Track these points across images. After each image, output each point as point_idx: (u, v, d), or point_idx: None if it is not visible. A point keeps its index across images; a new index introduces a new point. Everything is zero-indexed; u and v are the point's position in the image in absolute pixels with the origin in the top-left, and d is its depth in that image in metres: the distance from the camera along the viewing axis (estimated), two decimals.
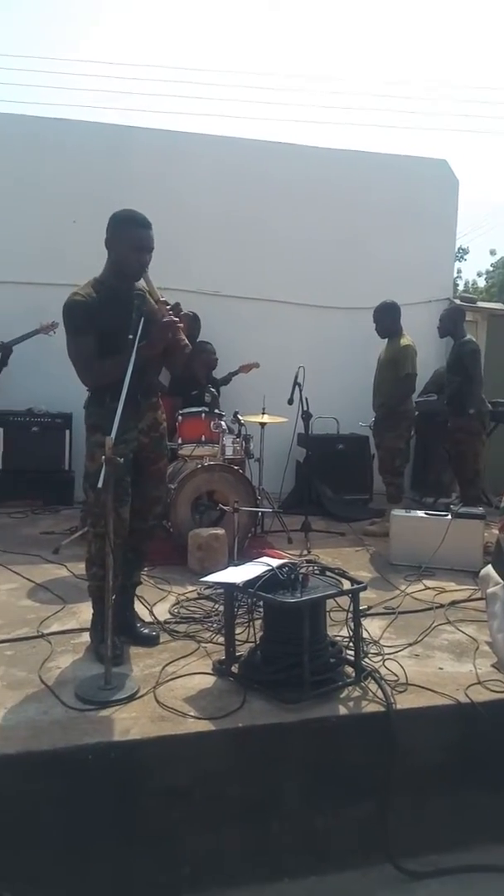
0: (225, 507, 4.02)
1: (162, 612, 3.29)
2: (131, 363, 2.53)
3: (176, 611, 3.30)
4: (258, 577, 2.53)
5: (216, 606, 3.31)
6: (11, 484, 5.49)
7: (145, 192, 5.33)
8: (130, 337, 2.57)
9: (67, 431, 5.59)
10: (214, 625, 3.08)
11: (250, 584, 2.52)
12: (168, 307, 2.72)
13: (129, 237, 2.70)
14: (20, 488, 5.48)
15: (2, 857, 2.10)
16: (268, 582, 2.52)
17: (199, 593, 3.53)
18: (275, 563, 2.64)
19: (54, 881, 2.14)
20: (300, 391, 4.62)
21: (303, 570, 2.59)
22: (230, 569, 2.76)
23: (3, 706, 2.37)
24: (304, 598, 2.41)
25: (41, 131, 5.70)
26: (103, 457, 2.41)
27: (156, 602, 3.40)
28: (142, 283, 2.78)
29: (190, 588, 3.63)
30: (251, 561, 2.75)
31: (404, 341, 4.92)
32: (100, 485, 2.39)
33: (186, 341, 2.77)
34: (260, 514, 4.54)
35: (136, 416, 2.77)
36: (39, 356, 5.32)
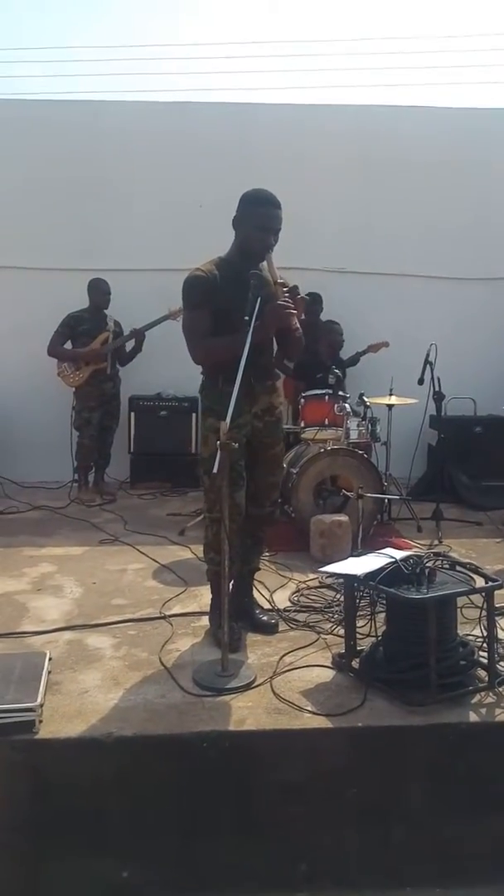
0: (349, 493, 3.87)
1: (282, 599, 3.22)
2: (247, 345, 2.45)
3: (296, 599, 3.22)
4: (380, 570, 2.38)
5: (337, 596, 3.19)
6: (142, 467, 5.66)
7: (270, 170, 5.24)
8: (246, 318, 2.49)
9: (194, 415, 5.66)
10: (335, 616, 2.97)
11: (371, 576, 2.38)
12: (285, 290, 2.61)
13: (257, 216, 2.63)
14: (150, 471, 5.63)
15: (120, 837, 2.13)
16: (391, 575, 2.37)
17: (320, 581, 3.43)
18: (399, 554, 2.48)
19: (169, 863, 2.15)
20: (432, 370, 4.34)
21: (429, 564, 2.41)
22: (351, 559, 2.63)
23: (123, 686, 2.41)
24: (429, 595, 2.23)
25: (164, 117, 5.75)
26: (217, 441, 2.36)
27: (276, 589, 3.34)
28: (263, 263, 2.70)
29: (311, 576, 3.53)
30: (374, 551, 2.60)
31: None
32: (215, 470, 2.35)
33: (298, 327, 2.65)
34: (386, 500, 4.34)
35: (250, 400, 2.70)
36: (168, 341, 5.38)
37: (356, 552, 3.76)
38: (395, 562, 2.40)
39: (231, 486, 2.48)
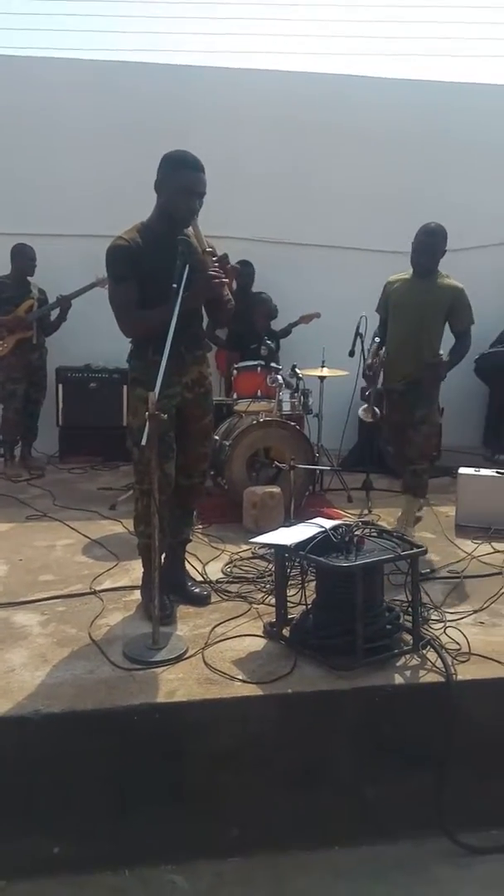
0: (281, 465, 3.89)
1: (215, 570, 3.22)
2: (175, 313, 2.40)
3: (228, 570, 3.23)
4: (310, 539, 2.41)
5: (269, 567, 3.22)
6: (71, 440, 5.53)
7: (203, 136, 5.13)
8: (174, 286, 2.43)
9: (125, 387, 5.54)
10: (267, 586, 2.99)
11: (301, 546, 2.40)
12: (214, 258, 2.55)
13: (179, 179, 2.54)
14: (79, 445, 5.51)
15: (50, 814, 2.10)
16: (320, 544, 2.39)
17: (253, 553, 3.45)
18: (328, 524, 2.50)
19: (101, 838, 2.14)
20: (362, 342, 4.38)
21: (357, 533, 2.45)
22: (281, 529, 2.65)
23: (51, 663, 2.36)
24: (357, 563, 2.27)
25: (94, 76, 5.52)
26: (146, 412, 2.31)
27: (209, 561, 3.34)
28: (190, 230, 2.63)
29: (244, 547, 3.54)
30: (304, 521, 2.62)
31: (452, 281, 3.63)
32: (143, 442, 2.30)
33: (230, 297, 2.60)
34: (318, 471, 4.39)
35: (180, 370, 2.65)
36: (95, 311, 5.20)
37: (287, 523, 3.81)
38: (326, 531, 2.43)
39: (161, 458, 2.44)
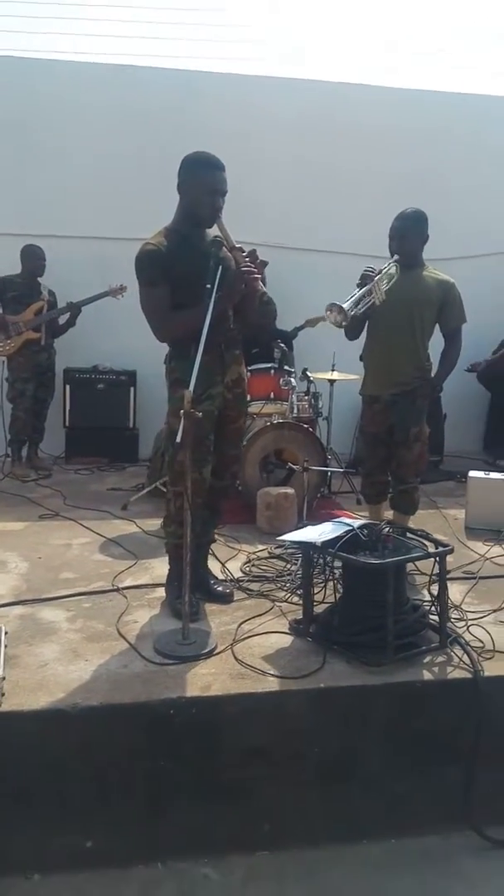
0: (294, 466, 3.93)
1: (234, 569, 3.25)
2: (209, 313, 2.43)
3: (247, 569, 3.26)
4: (339, 538, 2.45)
5: (287, 566, 3.26)
6: (77, 441, 5.53)
7: (211, 141, 5.17)
8: (208, 286, 2.47)
9: (132, 389, 5.57)
10: (287, 584, 3.03)
11: (330, 543, 2.44)
12: (244, 253, 2.59)
13: (203, 180, 2.58)
14: (86, 446, 5.51)
15: (84, 807, 2.12)
16: (348, 542, 2.44)
17: (269, 552, 3.48)
18: (356, 523, 2.55)
19: (134, 831, 2.16)
20: None
21: (385, 531, 2.49)
22: (308, 528, 2.68)
23: (83, 658, 2.38)
24: (389, 560, 2.31)
25: (103, 79, 5.54)
26: (183, 411, 2.33)
27: (227, 560, 3.36)
28: (214, 229, 2.67)
29: (260, 547, 3.57)
30: (329, 520, 2.66)
31: (441, 275, 3.35)
32: (178, 440, 2.33)
33: (265, 290, 2.64)
34: (329, 474, 4.43)
35: (222, 370, 2.68)
36: (104, 313, 5.26)
37: (301, 524, 3.84)
38: (353, 529, 2.47)
39: (199, 461, 2.47)
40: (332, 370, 4.64)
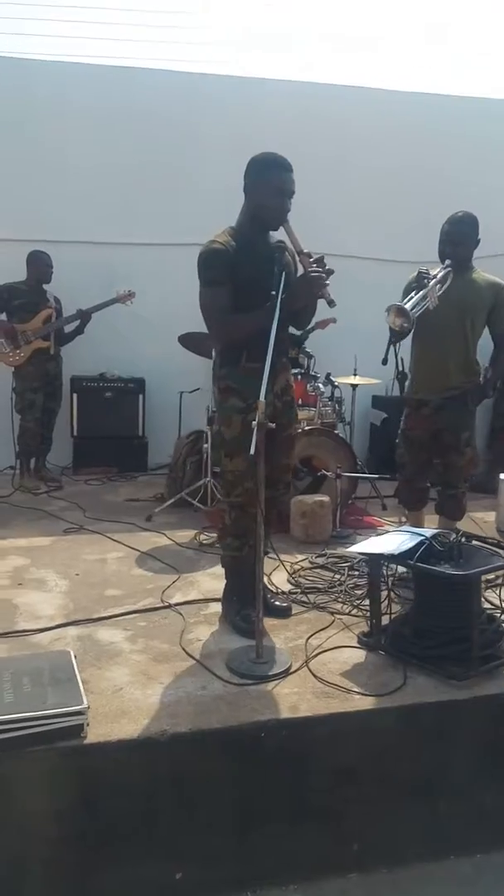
0: (327, 473, 3.87)
1: (281, 581, 3.18)
2: (275, 320, 2.36)
3: (294, 581, 3.18)
4: (414, 549, 2.40)
5: (335, 576, 3.20)
6: (85, 451, 5.39)
7: (215, 144, 5.09)
8: (273, 293, 2.39)
9: (141, 396, 5.44)
10: (342, 595, 2.97)
11: (406, 555, 2.39)
12: (311, 259, 2.52)
13: (271, 181, 2.51)
14: (94, 455, 5.37)
15: (174, 838, 2.02)
16: (423, 553, 2.39)
17: (310, 562, 3.42)
18: (428, 532, 2.50)
19: (223, 860, 2.07)
20: (396, 351, 4.40)
21: (462, 540, 2.45)
22: (374, 538, 2.63)
23: (157, 681, 2.28)
24: (474, 571, 2.27)
25: (105, 81, 5.42)
26: (253, 422, 2.26)
27: (270, 572, 3.28)
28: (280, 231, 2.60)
29: (299, 557, 3.51)
30: (402, 530, 2.61)
31: (491, 276, 3.29)
32: (251, 451, 2.25)
33: (332, 297, 2.57)
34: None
35: (272, 378, 2.60)
36: (110, 319, 5.14)
37: (335, 531, 3.79)
38: (428, 539, 2.42)
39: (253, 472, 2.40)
40: (354, 374, 4.60)
